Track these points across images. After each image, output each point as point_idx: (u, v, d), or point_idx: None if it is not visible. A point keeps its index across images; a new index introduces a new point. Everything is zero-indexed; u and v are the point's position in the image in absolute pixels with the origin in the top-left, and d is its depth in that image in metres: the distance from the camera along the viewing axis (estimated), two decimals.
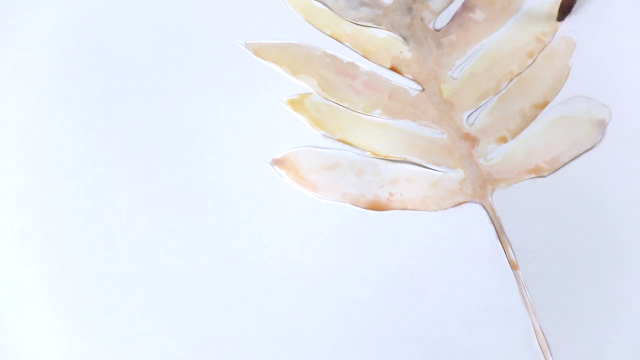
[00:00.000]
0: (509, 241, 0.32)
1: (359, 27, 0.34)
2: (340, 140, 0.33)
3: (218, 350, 0.31)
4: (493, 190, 0.33)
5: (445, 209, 0.32)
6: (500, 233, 0.32)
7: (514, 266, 0.32)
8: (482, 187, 0.33)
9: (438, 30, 0.34)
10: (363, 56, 0.34)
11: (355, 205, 0.32)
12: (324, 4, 0.34)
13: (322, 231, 0.32)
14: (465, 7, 0.34)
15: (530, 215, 0.32)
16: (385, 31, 0.34)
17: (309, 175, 0.33)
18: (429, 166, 0.33)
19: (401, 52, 0.34)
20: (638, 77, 0.34)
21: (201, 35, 0.34)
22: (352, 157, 0.33)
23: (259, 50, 0.34)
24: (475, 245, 0.32)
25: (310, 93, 0.33)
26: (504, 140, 0.33)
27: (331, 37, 0.34)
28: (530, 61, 0.34)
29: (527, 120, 0.33)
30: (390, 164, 0.33)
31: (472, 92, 0.33)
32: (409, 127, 0.33)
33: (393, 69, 0.34)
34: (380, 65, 0.34)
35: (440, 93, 0.34)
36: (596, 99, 0.33)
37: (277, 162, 0.33)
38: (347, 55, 0.34)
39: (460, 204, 0.33)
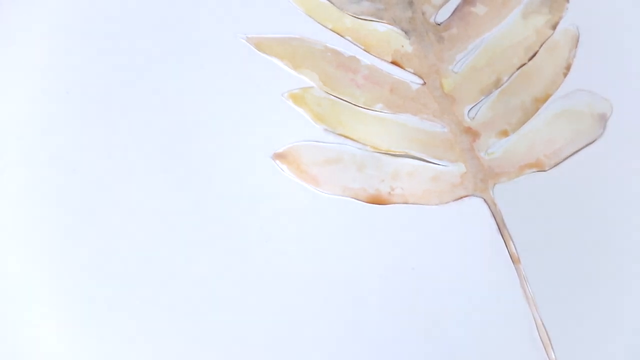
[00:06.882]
0: (510, 235, 0.32)
1: (360, 21, 0.34)
2: (341, 135, 0.33)
3: (219, 343, 0.31)
4: (494, 184, 0.33)
5: (446, 203, 0.32)
6: (501, 227, 0.32)
7: (515, 260, 0.32)
8: (483, 181, 0.33)
9: (439, 24, 0.34)
10: (364, 50, 0.34)
11: (356, 199, 0.32)
12: None
13: (323, 225, 0.32)
14: (467, 1, 0.34)
15: (532, 209, 0.32)
16: (387, 25, 0.34)
17: (310, 170, 0.33)
18: (430, 160, 0.33)
19: (402, 46, 0.34)
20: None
21: (202, 29, 0.34)
22: (353, 151, 0.33)
23: (260, 45, 0.34)
24: (477, 239, 0.32)
25: (312, 87, 0.33)
26: (505, 134, 0.33)
27: (332, 31, 0.34)
28: (531, 54, 0.34)
29: (528, 114, 0.33)
30: (392, 158, 0.33)
31: (473, 86, 0.33)
32: (410, 121, 0.33)
33: (394, 63, 0.34)
34: (382, 59, 0.34)
35: (441, 87, 0.34)
36: (598, 92, 0.33)
37: (278, 156, 0.33)
38: (348, 49, 0.34)
39: (461, 198, 0.33)
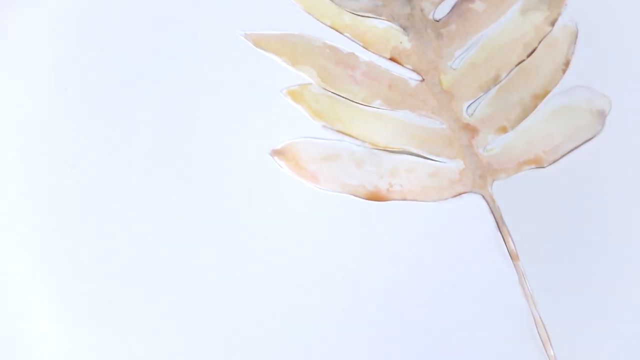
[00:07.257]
0: (509, 232, 0.32)
1: (359, 17, 0.34)
2: (339, 131, 0.33)
3: (217, 340, 0.31)
4: (493, 180, 0.33)
5: (445, 199, 0.32)
6: (500, 224, 0.32)
7: (514, 257, 0.32)
8: (482, 177, 0.33)
9: (438, 21, 0.34)
10: (363, 47, 0.34)
11: (355, 196, 0.32)
12: None
13: (322, 222, 0.32)
14: None
15: (530, 206, 0.32)
16: (385, 22, 0.34)
17: (309, 166, 0.33)
18: (428, 157, 0.33)
19: (401, 43, 0.34)
20: (639, 67, 0.34)
21: (201, 26, 0.34)
22: (352, 148, 0.33)
23: (259, 41, 0.34)
24: (475, 236, 0.32)
25: (310, 83, 0.33)
26: (503, 130, 0.33)
27: (331, 27, 0.34)
28: (530, 51, 0.34)
29: (527, 110, 0.33)
30: (390, 155, 0.33)
31: (471, 82, 0.33)
32: (409, 118, 0.33)
33: (393, 59, 0.34)
34: (380, 56, 0.34)
35: (440, 83, 0.34)
36: (596, 89, 0.33)
37: (277, 153, 0.33)
38: (346, 45, 0.34)
39: (460, 194, 0.33)
